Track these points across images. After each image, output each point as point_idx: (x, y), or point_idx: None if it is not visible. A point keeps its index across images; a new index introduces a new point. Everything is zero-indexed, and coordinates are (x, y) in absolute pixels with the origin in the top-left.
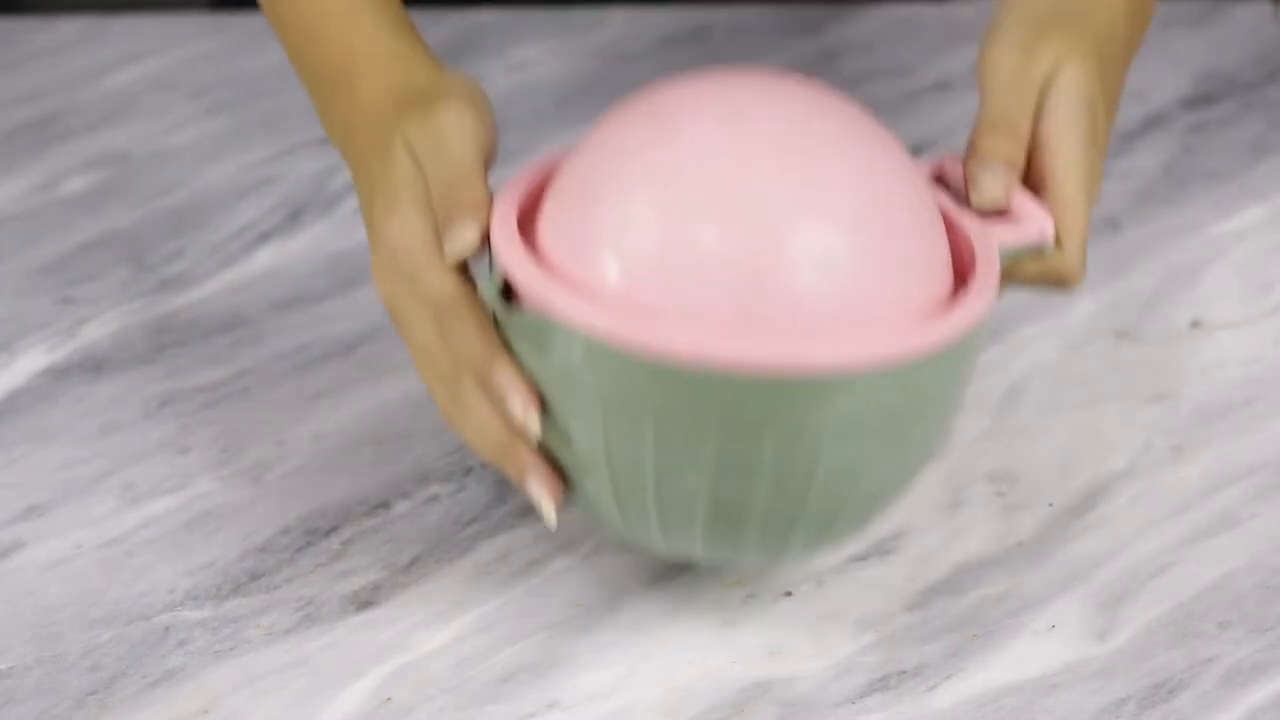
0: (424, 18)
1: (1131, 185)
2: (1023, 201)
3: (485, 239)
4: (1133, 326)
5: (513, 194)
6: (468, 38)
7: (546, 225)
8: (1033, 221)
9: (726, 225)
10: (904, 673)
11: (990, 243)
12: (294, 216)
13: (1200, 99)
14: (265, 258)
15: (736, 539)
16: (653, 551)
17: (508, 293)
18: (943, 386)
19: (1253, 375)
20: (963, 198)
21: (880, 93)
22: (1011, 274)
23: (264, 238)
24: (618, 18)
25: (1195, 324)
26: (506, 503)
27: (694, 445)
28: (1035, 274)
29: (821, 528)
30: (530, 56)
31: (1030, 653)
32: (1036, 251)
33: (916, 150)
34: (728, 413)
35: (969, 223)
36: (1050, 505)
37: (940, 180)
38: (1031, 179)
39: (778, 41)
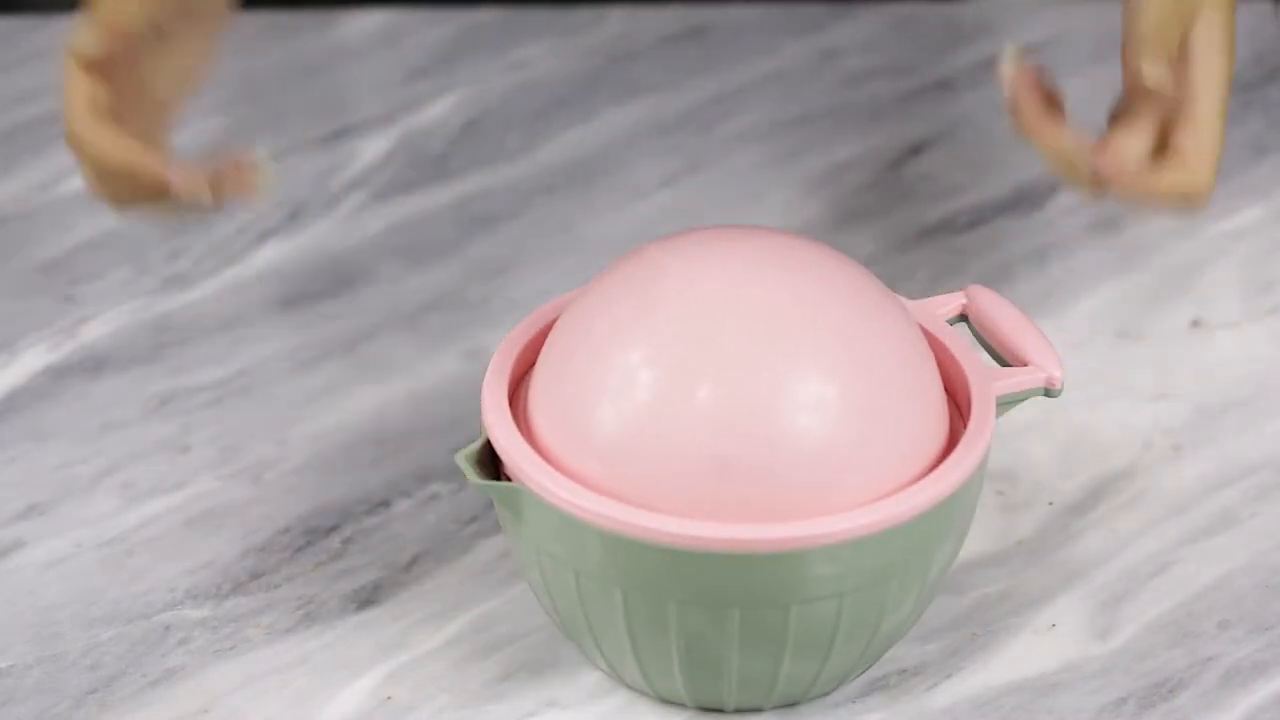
0: (424, 17)
1: None
2: (1037, 346)
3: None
4: (1133, 325)
5: (504, 359)
6: (468, 37)
7: (534, 391)
8: (1041, 369)
9: (698, 409)
10: (904, 672)
11: (989, 394)
12: (294, 216)
13: None
14: (265, 256)
15: (717, 694)
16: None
17: (494, 458)
18: (924, 544)
19: (1253, 374)
20: (986, 331)
21: (880, 92)
22: (1142, 187)
23: (264, 236)
24: (617, 17)
25: (1195, 323)
26: None
27: (664, 615)
28: (1166, 187)
29: (805, 682)
30: (530, 56)
31: (1030, 652)
32: (1042, 394)
33: (917, 150)
34: (695, 585)
35: (972, 369)
36: (1050, 504)
37: (964, 316)
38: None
39: (778, 41)
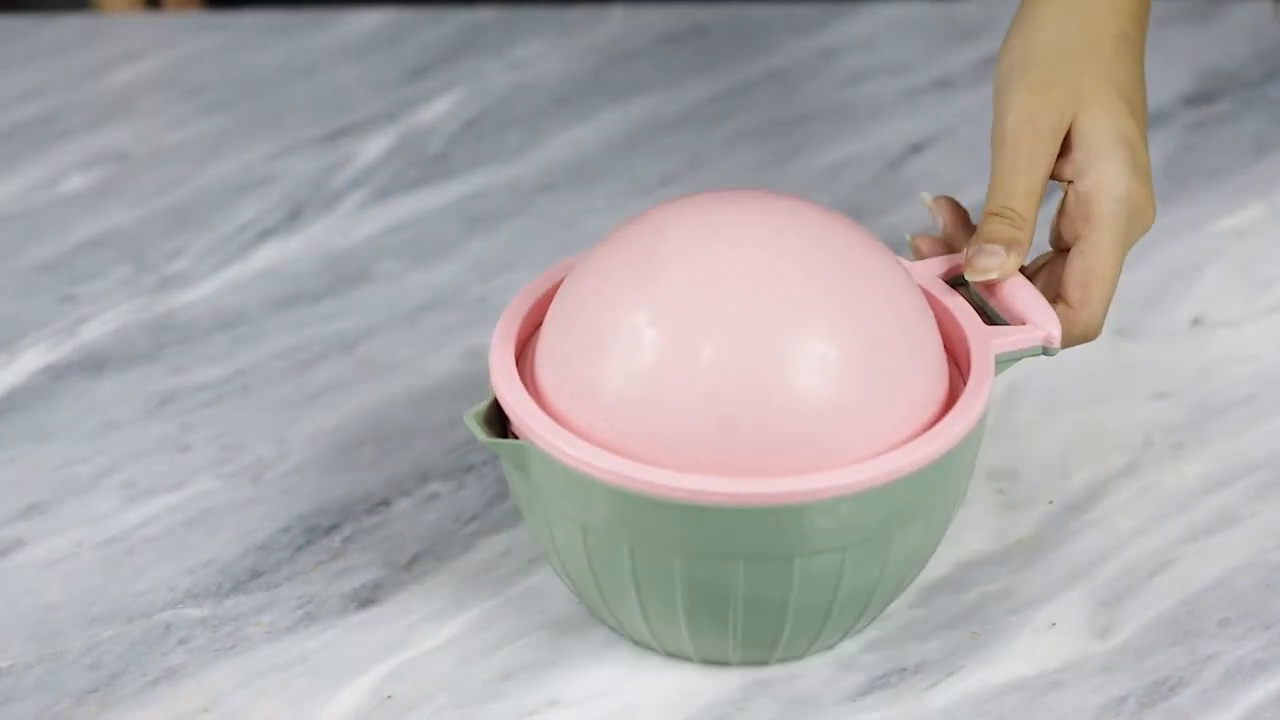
0: (424, 17)
1: None
2: (1035, 305)
3: None
4: (1133, 324)
5: (513, 316)
6: (468, 36)
7: (541, 352)
8: (1039, 327)
9: (700, 367)
10: (904, 670)
11: (987, 351)
12: (294, 215)
13: (1201, 97)
14: (265, 256)
15: (722, 648)
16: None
17: (502, 417)
18: (925, 499)
19: (1253, 373)
20: (985, 291)
21: (880, 91)
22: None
23: (264, 236)
24: (617, 16)
25: (1196, 322)
26: (507, 500)
27: (670, 569)
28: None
29: (809, 636)
30: (530, 55)
31: (1030, 650)
32: (1040, 353)
33: (917, 149)
34: (700, 539)
35: (971, 328)
36: (1051, 503)
37: (956, 281)
38: (1068, 229)
39: (778, 40)
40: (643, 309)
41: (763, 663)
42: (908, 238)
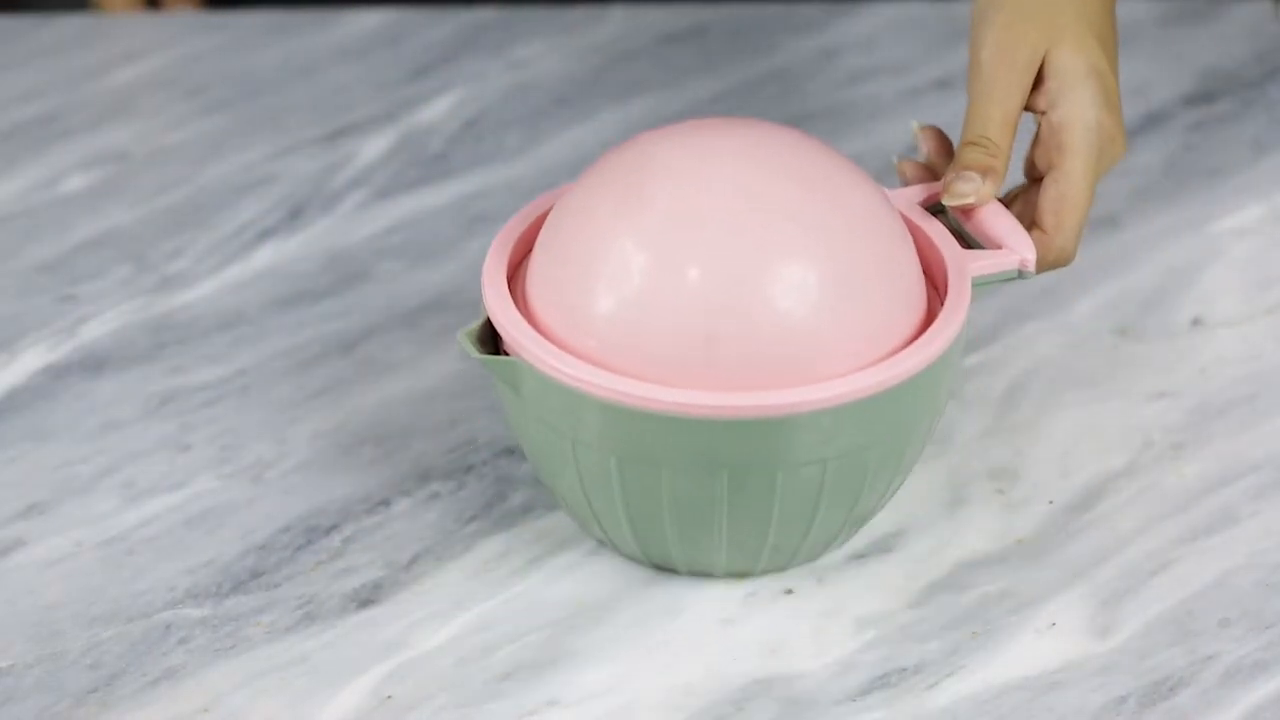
0: (424, 17)
1: (1132, 183)
2: (1011, 230)
3: None
4: (1133, 324)
5: (505, 240)
6: (468, 36)
7: (532, 273)
8: (1014, 251)
9: (685, 287)
10: (904, 670)
11: (964, 273)
12: (294, 214)
13: (1201, 97)
14: (265, 256)
15: (708, 558)
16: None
17: (494, 336)
18: (903, 416)
19: (1253, 373)
20: (962, 217)
21: (880, 91)
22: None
23: (264, 236)
24: (617, 16)
25: (1196, 321)
26: (507, 500)
27: (657, 481)
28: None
29: (791, 546)
30: (530, 55)
31: (1031, 650)
32: (1016, 276)
33: (917, 149)
34: (686, 451)
35: (949, 252)
36: (1051, 503)
37: (935, 209)
38: (1042, 159)
39: (778, 40)
40: (630, 233)
41: (747, 574)
42: (894, 160)
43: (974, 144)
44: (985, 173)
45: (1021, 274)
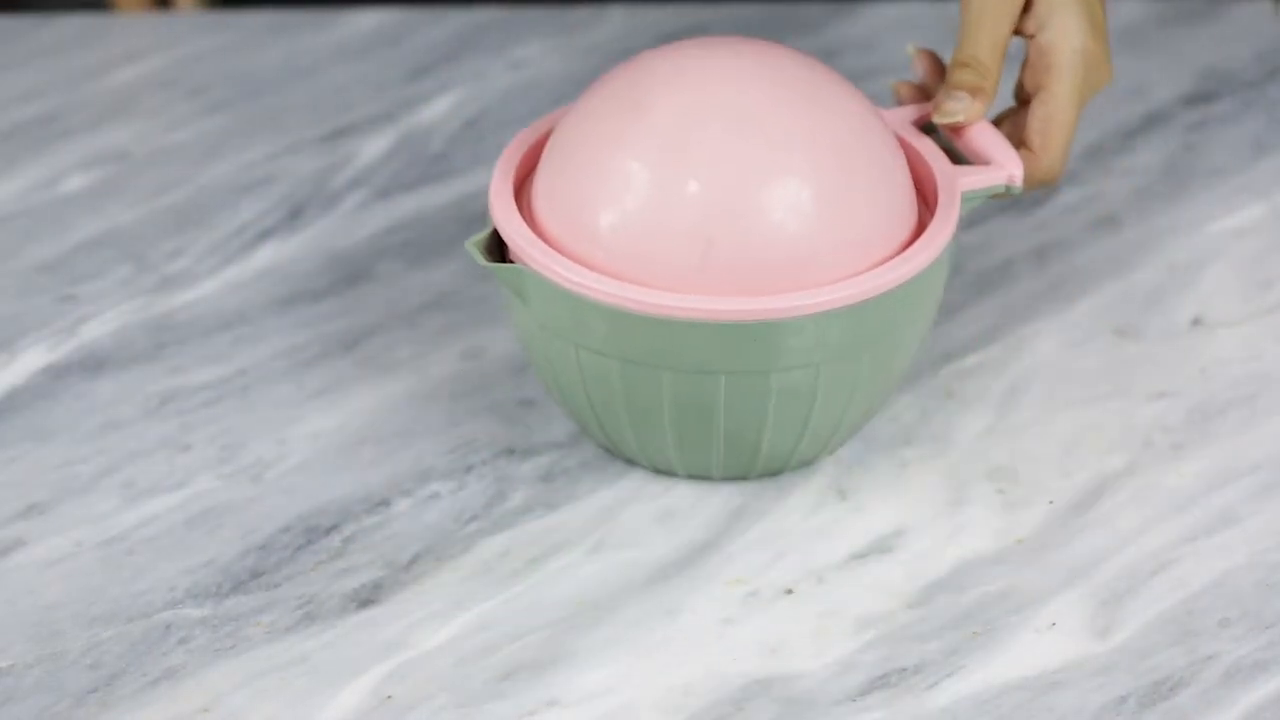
0: (424, 17)
1: (1132, 183)
2: (999, 147)
3: None
4: (1133, 324)
5: (511, 157)
6: (468, 36)
7: (537, 186)
8: (1002, 167)
9: (685, 197)
10: (904, 670)
11: (954, 187)
12: (294, 214)
13: (1201, 97)
14: (265, 256)
15: (706, 461)
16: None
17: (501, 245)
18: (893, 323)
19: (1253, 373)
20: (953, 135)
21: (880, 91)
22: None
23: (264, 235)
24: (617, 15)
25: (1196, 321)
26: (507, 500)
27: (657, 384)
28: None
29: (786, 450)
30: (530, 54)
31: (1031, 650)
32: (1004, 192)
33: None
34: (685, 355)
35: (940, 167)
36: (1051, 503)
37: (927, 129)
38: (1030, 81)
39: (777, 40)
40: (632, 146)
41: (743, 477)
42: (891, 84)
43: (964, 65)
44: (974, 92)
45: (1009, 189)
